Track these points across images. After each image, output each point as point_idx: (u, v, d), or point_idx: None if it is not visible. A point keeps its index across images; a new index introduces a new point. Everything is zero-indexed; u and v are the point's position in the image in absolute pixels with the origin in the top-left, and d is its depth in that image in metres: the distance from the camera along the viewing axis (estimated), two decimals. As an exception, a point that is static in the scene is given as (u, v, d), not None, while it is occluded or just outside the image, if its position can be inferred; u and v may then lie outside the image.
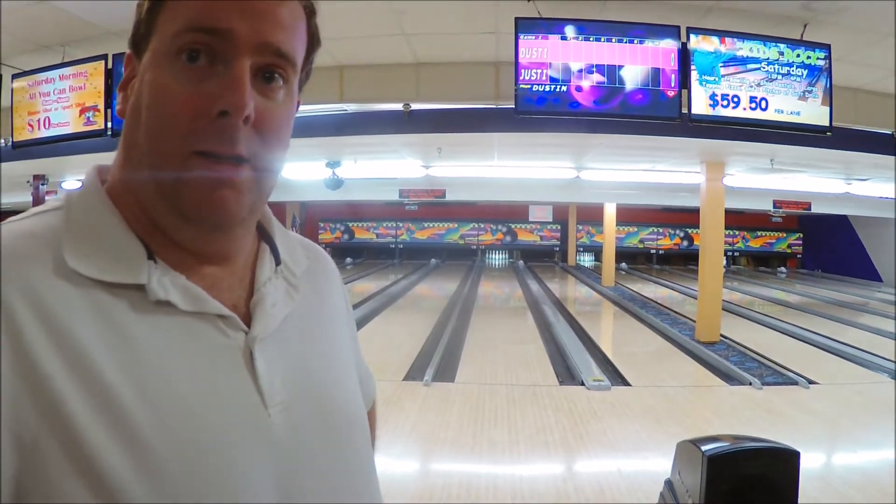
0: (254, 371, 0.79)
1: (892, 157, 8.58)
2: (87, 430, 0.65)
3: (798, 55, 6.20)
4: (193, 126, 0.73)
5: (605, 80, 5.94)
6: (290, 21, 0.80)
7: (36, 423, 0.64)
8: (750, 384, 7.49)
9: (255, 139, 0.77)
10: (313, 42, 0.88)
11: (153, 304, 0.74)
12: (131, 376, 0.69)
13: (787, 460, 3.24)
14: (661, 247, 28.99)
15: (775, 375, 7.99)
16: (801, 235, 28.82)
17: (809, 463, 5.21)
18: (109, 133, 7.31)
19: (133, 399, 0.68)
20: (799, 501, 3.20)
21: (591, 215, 24.73)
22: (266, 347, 0.81)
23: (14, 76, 7.76)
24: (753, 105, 6.17)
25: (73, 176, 12.35)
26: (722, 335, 10.30)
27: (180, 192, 0.75)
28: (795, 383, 7.59)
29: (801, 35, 6.29)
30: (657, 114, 6.05)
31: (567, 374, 7.98)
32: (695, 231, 25.43)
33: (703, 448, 3.19)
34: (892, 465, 5.23)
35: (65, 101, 7.44)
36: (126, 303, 0.72)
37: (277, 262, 0.92)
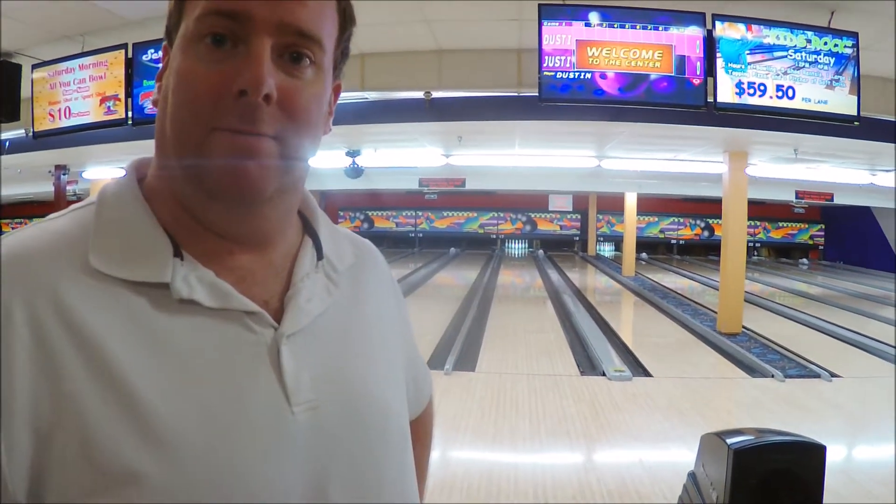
0: (280, 368, 0.76)
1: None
2: (102, 426, 0.65)
3: (825, 43, 6.11)
4: (215, 105, 0.72)
5: (630, 67, 5.89)
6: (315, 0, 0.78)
7: (52, 416, 0.64)
8: (772, 376, 7.43)
9: (281, 118, 0.75)
10: (346, 20, 0.86)
11: (178, 302, 0.73)
12: (150, 373, 0.68)
13: (813, 454, 3.19)
14: (682, 237, 28.88)
15: (798, 368, 7.93)
16: (824, 227, 28.62)
17: (832, 456, 5.16)
18: (130, 122, 7.33)
19: (151, 395, 0.67)
20: (824, 495, 3.17)
21: (612, 205, 24.64)
22: (295, 344, 0.79)
23: (34, 66, 7.80)
24: (780, 93, 6.10)
25: (93, 165, 12.41)
26: (744, 326, 10.23)
27: (204, 168, 0.74)
28: (818, 376, 7.52)
29: (829, 22, 6.21)
30: (682, 102, 5.99)
31: (588, 364, 7.95)
32: (716, 221, 25.34)
33: (729, 441, 3.16)
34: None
35: (85, 91, 7.47)
36: (149, 301, 0.72)
37: (319, 256, 0.90)
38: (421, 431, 1.15)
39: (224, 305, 0.75)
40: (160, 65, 0.84)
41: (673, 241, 28.87)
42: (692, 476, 3.68)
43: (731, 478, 3.05)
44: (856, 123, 6.30)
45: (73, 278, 0.69)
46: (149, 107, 7.10)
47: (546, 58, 5.88)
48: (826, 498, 3.16)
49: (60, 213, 0.78)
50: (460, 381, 6.99)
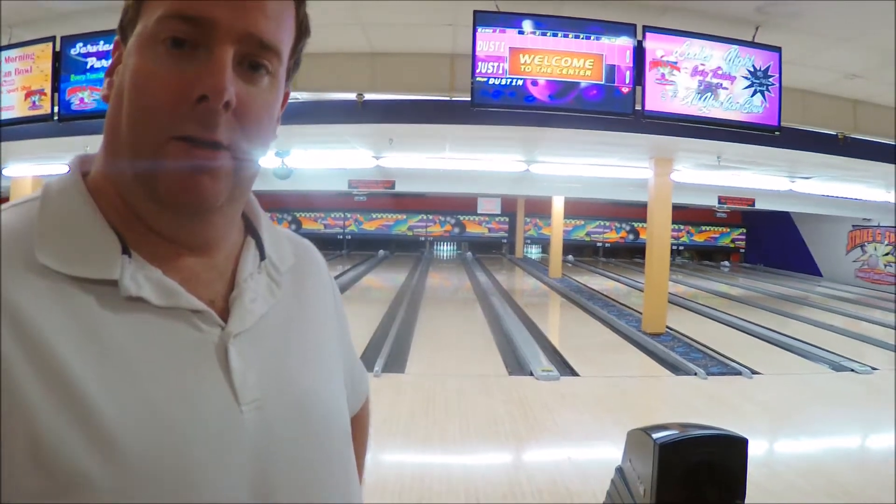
0: (227, 367, 0.77)
1: (836, 157, 8.83)
2: (50, 428, 0.64)
3: (750, 56, 6.33)
4: (173, 110, 0.72)
5: (561, 75, 6.00)
6: (277, 11, 0.79)
7: None
8: (695, 374, 7.64)
9: (235, 126, 0.76)
10: (302, 31, 0.87)
11: (125, 300, 0.73)
12: (97, 371, 0.68)
13: (735, 447, 3.31)
14: (608, 240, 29.30)
15: (720, 366, 8.17)
16: (745, 231, 29.40)
17: (755, 450, 5.33)
18: (56, 118, 7.13)
19: (98, 394, 0.67)
20: (747, 487, 3.29)
21: (539, 208, 24.94)
22: (242, 343, 0.80)
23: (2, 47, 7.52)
24: (705, 103, 6.29)
25: (15, 162, 12.04)
26: (668, 327, 10.48)
27: (157, 177, 0.74)
28: (739, 373, 7.77)
29: (753, 37, 6.42)
30: (611, 109, 6.13)
31: (516, 364, 8.04)
32: (640, 225, 25.85)
33: (654, 436, 3.25)
34: (833, 452, 5.42)
35: (10, 85, 7.24)
36: (96, 298, 0.72)
37: (262, 256, 0.91)
38: (358, 429, 1.15)
39: (172, 304, 0.76)
40: (109, 59, 0.83)
41: (599, 244, 29.27)
42: (620, 471, 3.77)
43: (657, 471, 3.15)
44: (777, 133, 6.53)
45: (19, 274, 0.69)
46: (76, 103, 6.94)
47: (479, 64, 5.95)
48: (749, 489, 3.28)
49: (9, 205, 0.78)
50: (390, 382, 7.01)
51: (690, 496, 3.21)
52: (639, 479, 3.43)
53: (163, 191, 0.75)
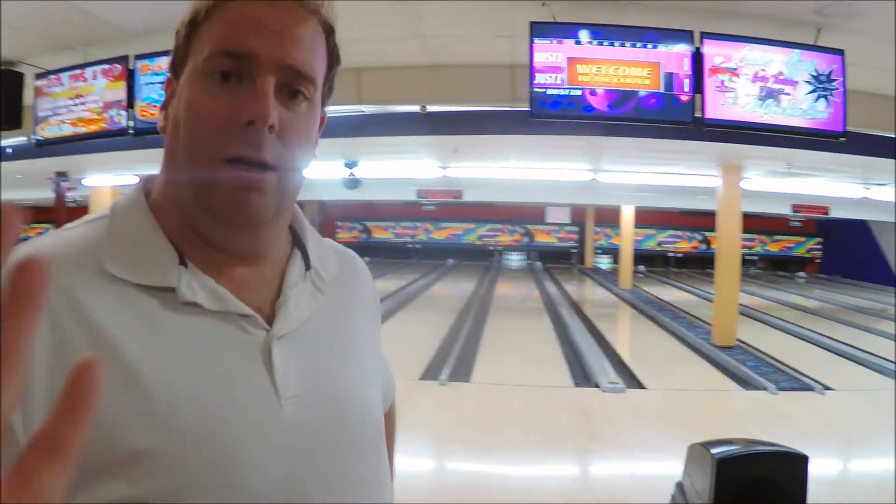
0: (270, 365, 0.84)
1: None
2: (110, 409, 0.72)
3: (812, 60, 6.18)
4: (225, 134, 0.81)
5: (619, 84, 5.96)
6: (309, 41, 0.88)
7: None
8: (765, 389, 7.47)
9: (279, 147, 0.84)
10: (333, 59, 0.95)
11: (182, 305, 0.81)
12: (155, 362, 0.77)
13: (795, 464, 3.25)
14: (679, 250, 28.88)
15: (791, 381, 7.97)
16: (821, 240, 28.62)
17: (822, 468, 5.21)
18: (131, 132, 7.41)
19: (154, 381, 0.76)
20: (808, 505, 3.22)
21: (609, 217, 24.62)
22: (284, 345, 0.87)
23: (37, 75, 7.87)
24: (767, 110, 6.16)
25: (93, 173, 12.46)
26: (738, 339, 10.27)
27: (212, 194, 0.83)
28: (811, 389, 7.56)
29: (815, 40, 6.27)
30: (670, 118, 6.05)
31: (582, 376, 7.99)
32: (713, 234, 25.24)
33: (713, 451, 3.21)
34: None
35: (87, 101, 7.54)
36: (157, 302, 0.80)
37: (307, 266, 0.98)
38: (389, 425, 1.22)
39: (222, 308, 0.83)
40: (163, 94, 0.93)
41: (670, 254, 28.87)
42: (679, 486, 3.73)
43: (714, 486, 3.11)
44: (842, 139, 6.36)
45: (89, 280, 0.78)
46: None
47: (537, 74, 5.95)
48: (809, 505, 3.21)
49: (75, 224, 0.87)
50: (455, 391, 7.04)
51: (749, 512, 3.15)
52: (697, 494, 3.39)
53: (217, 207, 0.84)
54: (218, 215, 0.85)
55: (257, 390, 0.83)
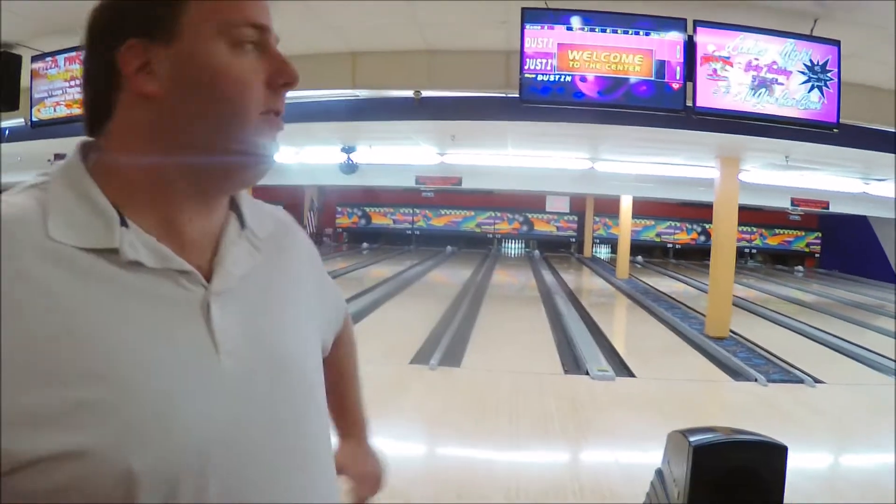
0: (209, 320, 0.88)
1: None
2: (55, 361, 0.76)
3: (807, 50, 6.16)
4: (266, 94, 0.92)
5: (610, 71, 5.94)
6: None
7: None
8: (755, 380, 7.48)
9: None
10: None
11: (125, 264, 0.84)
12: (93, 317, 0.79)
13: (773, 454, 3.25)
14: (678, 241, 28.91)
15: (782, 373, 7.98)
16: (820, 235, 28.63)
17: (809, 461, 5.23)
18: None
19: (91, 334, 0.78)
20: (788, 496, 3.22)
21: (609, 207, 24.64)
22: (223, 300, 0.91)
23: (34, 57, 7.86)
24: (759, 99, 6.15)
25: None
26: (732, 331, 10.28)
27: (244, 144, 0.92)
28: (801, 381, 7.57)
29: (811, 30, 6.24)
30: (661, 105, 6.03)
31: (573, 363, 8.01)
32: (712, 226, 25.32)
33: (691, 438, 3.22)
34: (892, 467, 5.26)
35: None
36: (100, 262, 0.83)
37: (242, 225, 1.02)
38: (346, 341, 1.44)
39: (163, 265, 0.86)
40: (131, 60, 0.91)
41: (669, 245, 28.91)
42: (659, 473, 3.73)
43: (691, 474, 3.11)
44: (834, 130, 6.34)
45: (33, 246, 0.79)
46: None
47: (528, 60, 5.93)
48: (801, 501, 3.22)
49: (16, 191, 0.88)
50: (445, 376, 7.07)
51: (725, 501, 3.16)
52: (675, 482, 3.39)
53: (245, 156, 0.93)
54: (241, 167, 0.94)
55: (196, 344, 0.86)
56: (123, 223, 0.86)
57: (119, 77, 0.89)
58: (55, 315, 0.77)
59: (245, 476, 0.87)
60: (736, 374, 7.91)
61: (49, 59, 7.80)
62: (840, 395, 7.22)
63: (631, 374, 7.62)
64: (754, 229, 27.65)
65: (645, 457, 5.03)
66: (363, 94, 7.92)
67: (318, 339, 1.15)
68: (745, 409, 6.51)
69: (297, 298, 1.08)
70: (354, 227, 28.95)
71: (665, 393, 6.92)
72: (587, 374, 7.40)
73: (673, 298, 15.20)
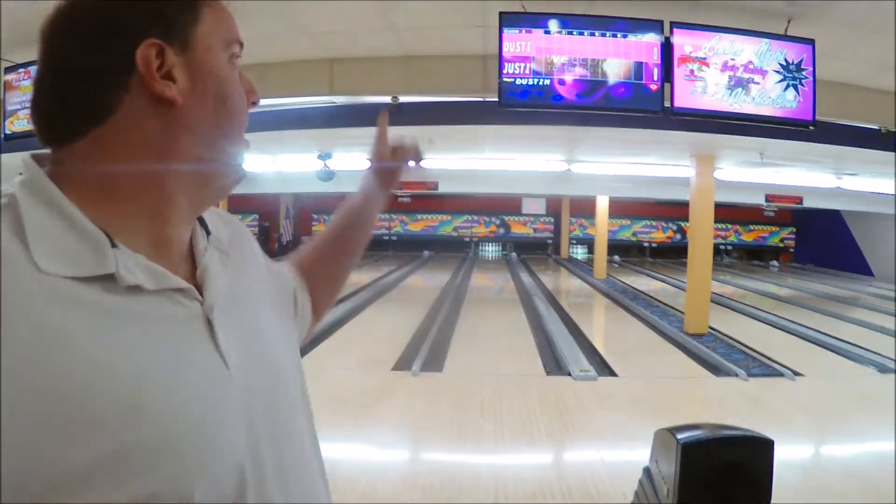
0: (213, 336, 0.86)
1: (880, 152, 8.64)
2: (81, 394, 0.70)
3: (782, 49, 6.23)
4: (246, 113, 0.96)
5: (588, 73, 5.98)
6: None
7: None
8: (736, 375, 7.55)
9: None
10: None
11: (123, 289, 0.78)
12: (116, 355, 0.74)
13: (761, 448, 3.28)
14: (654, 240, 29.04)
15: (762, 367, 8.06)
16: (794, 230, 28.90)
17: (792, 453, 5.28)
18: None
19: (122, 372, 0.73)
20: (775, 490, 3.26)
21: (585, 208, 24.74)
22: (220, 314, 0.88)
23: (7, 69, 7.78)
24: (736, 99, 6.21)
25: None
26: (711, 327, 10.36)
27: (236, 164, 0.95)
28: (781, 375, 7.65)
29: (786, 30, 6.32)
30: (640, 107, 6.07)
31: (555, 364, 8.03)
32: (688, 224, 25.45)
33: (678, 436, 3.23)
34: (870, 455, 5.32)
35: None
36: (100, 291, 0.76)
37: (208, 232, 0.99)
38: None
39: (162, 286, 0.82)
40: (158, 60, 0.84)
41: (646, 244, 29.03)
42: (647, 471, 3.75)
43: (679, 471, 3.13)
44: (811, 128, 6.42)
45: (33, 285, 0.71)
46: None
47: (506, 64, 5.96)
48: (784, 491, 3.25)
49: None
50: (428, 382, 7.06)
51: (714, 497, 3.19)
52: (663, 479, 3.41)
53: (236, 174, 0.96)
54: (228, 181, 0.95)
55: (210, 362, 0.84)
56: (113, 244, 0.79)
57: (128, 77, 0.82)
58: (80, 361, 0.71)
59: (266, 488, 0.86)
60: (717, 369, 7.97)
61: (22, 70, 7.71)
62: (820, 387, 7.29)
63: (613, 374, 7.66)
64: (729, 226, 27.85)
65: (631, 455, 5.08)
66: (340, 100, 7.91)
67: (293, 334, 1.17)
68: (728, 405, 6.56)
69: (265, 299, 1.08)
70: (332, 234, 28.80)
71: (648, 391, 6.96)
72: (569, 374, 7.42)
73: (651, 297, 15.29)
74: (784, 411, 6.35)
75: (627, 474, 4.49)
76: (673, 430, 3.39)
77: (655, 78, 5.99)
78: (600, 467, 4.84)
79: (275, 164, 13.07)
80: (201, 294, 0.88)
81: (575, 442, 5.49)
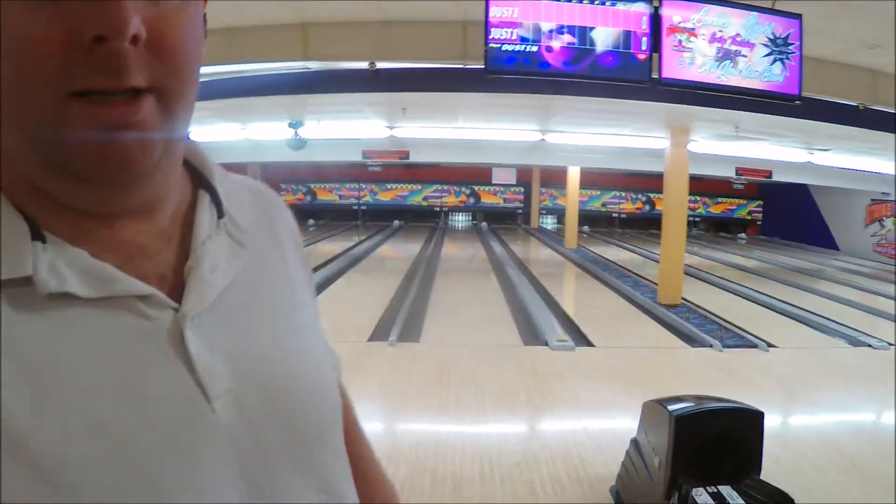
0: (187, 357, 0.62)
1: (856, 129, 8.70)
2: None
3: (770, 23, 6.19)
4: (65, 62, 0.54)
5: (576, 41, 5.89)
6: None
7: None
8: (711, 346, 7.60)
9: (154, 61, 0.58)
10: None
11: (47, 298, 0.57)
12: (24, 395, 0.53)
13: (752, 420, 3.30)
14: (624, 210, 29.24)
15: (735, 338, 8.11)
16: (762, 203, 29.21)
17: (768, 422, 5.32)
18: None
19: (28, 421, 0.53)
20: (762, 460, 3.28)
21: (555, 178, 24.83)
22: (202, 325, 0.65)
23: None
24: (723, 71, 6.17)
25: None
26: (683, 298, 10.42)
27: (64, 148, 0.57)
28: (755, 346, 7.71)
29: (773, 3, 6.28)
30: (627, 76, 6.01)
31: (531, 334, 8.02)
32: (657, 196, 25.63)
33: (670, 408, 3.24)
34: (844, 425, 5.40)
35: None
36: (11, 301, 0.56)
37: (220, 213, 0.74)
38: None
39: (106, 293, 0.60)
40: None
41: (615, 215, 29.21)
42: (635, 442, 3.76)
43: (672, 443, 3.13)
44: (797, 103, 6.41)
45: None
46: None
47: (492, 30, 5.85)
48: (766, 462, 3.27)
49: None
50: (405, 352, 7.01)
51: (706, 468, 3.19)
52: (654, 450, 3.42)
53: (76, 165, 0.59)
54: (82, 175, 0.59)
55: (175, 398, 0.60)
56: (38, 236, 0.59)
57: None
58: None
59: None
60: (692, 340, 8.03)
61: None
62: (793, 358, 7.37)
63: (590, 344, 7.67)
64: (698, 198, 28.05)
65: (613, 424, 5.11)
66: (314, 66, 7.75)
67: (329, 357, 0.84)
68: (707, 376, 6.59)
69: (296, 305, 0.81)
70: (300, 204, 28.52)
71: (625, 361, 6.98)
72: (546, 344, 7.42)
73: (622, 267, 15.35)
74: (761, 382, 6.40)
75: (611, 444, 4.52)
76: (663, 402, 3.40)
77: (644, 48, 5.91)
78: (584, 437, 4.84)
79: (244, 133, 12.88)
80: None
81: (556, 412, 5.49)
